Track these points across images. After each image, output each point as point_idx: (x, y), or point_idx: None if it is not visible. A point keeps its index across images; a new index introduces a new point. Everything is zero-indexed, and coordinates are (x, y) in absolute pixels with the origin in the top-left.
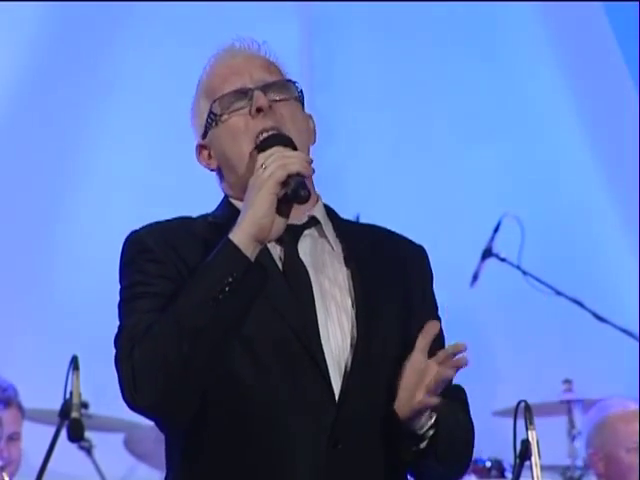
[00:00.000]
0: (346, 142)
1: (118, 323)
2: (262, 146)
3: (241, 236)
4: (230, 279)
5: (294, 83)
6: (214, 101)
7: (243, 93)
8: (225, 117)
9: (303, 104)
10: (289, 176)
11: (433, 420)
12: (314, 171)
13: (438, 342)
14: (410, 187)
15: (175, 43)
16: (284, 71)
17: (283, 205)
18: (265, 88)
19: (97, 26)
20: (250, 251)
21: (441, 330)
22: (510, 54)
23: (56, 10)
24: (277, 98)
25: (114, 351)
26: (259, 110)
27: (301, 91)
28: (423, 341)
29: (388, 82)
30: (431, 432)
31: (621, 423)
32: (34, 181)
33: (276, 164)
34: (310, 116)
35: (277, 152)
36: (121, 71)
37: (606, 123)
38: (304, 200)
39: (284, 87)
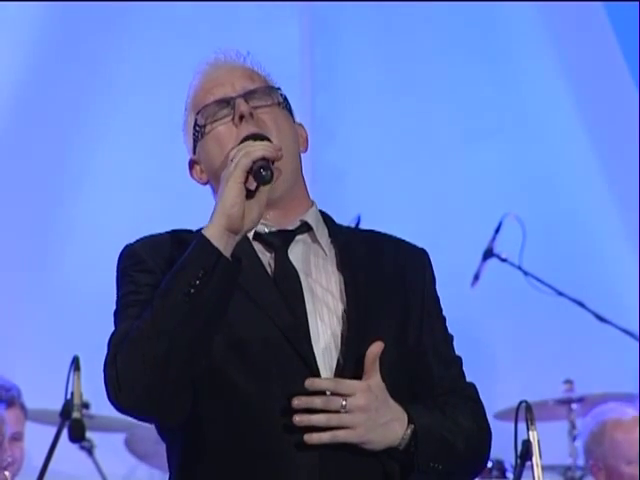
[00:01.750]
0: (346, 142)
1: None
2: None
3: (212, 229)
4: (202, 272)
5: (278, 89)
6: (198, 112)
7: (225, 102)
8: (209, 127)
9: (290, 110)
10: (254, 162)
11: (410, 431)
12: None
13: (444, 344)
14: (411, 187)
15: (175, 43)
16: (269, 79)
17: (255, 193)
18: (247, 96)
19: (97, 26)
20: (223, 243)
21: (446, 330)
22: (510, 54)
23: (56, 10)
24: (259, 105)
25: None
26: (242, 117)
27: (285, 97)
28: (367, 364)
29: (388, 82)
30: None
31: (620, 433)
32: (35, 181)
33: (241, 154)
34: (300, 124)
35: (245, 145)
36: (121, 71)
37: (606, 123)
38: (267, 181)
39: (266, 94)
